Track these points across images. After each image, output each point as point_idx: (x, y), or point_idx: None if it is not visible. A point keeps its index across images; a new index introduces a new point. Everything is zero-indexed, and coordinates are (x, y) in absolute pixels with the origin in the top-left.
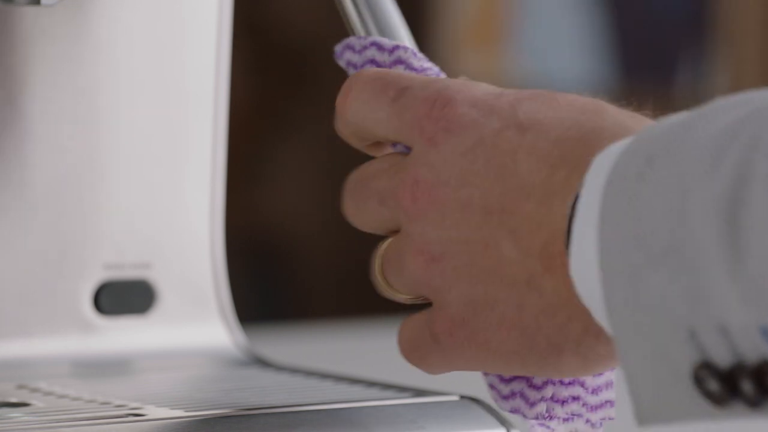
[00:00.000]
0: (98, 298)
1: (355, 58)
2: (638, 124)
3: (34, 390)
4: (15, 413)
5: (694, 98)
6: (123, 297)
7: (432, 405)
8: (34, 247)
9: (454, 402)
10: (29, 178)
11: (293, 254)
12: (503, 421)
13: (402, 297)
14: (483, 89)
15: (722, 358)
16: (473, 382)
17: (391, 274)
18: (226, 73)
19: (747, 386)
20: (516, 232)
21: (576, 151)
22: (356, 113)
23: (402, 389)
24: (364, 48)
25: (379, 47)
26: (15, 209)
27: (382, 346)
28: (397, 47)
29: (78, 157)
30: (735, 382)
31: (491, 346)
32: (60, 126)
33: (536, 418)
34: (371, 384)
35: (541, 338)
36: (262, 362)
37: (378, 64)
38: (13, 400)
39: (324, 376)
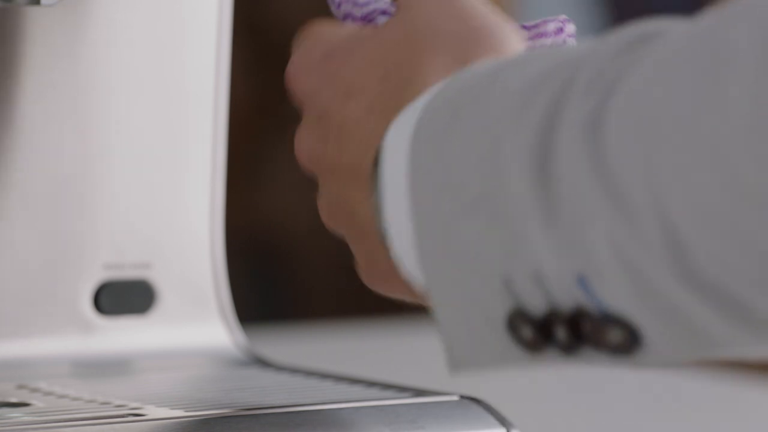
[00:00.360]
0: (98, 298)
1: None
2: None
3: (34, 390)
4: (15, 413)
5: None
6: (123, 297)
7: (432, 405)
8: (34, 247)
9: (454, 402)
10: (29, 178)
11: (293, 254)
12: (503, 421)
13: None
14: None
15: (536, 305)
16: (473, 382)
17: (302, 150)
18: (226, 73)
19: (561, 333)
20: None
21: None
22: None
23: (402, 389)
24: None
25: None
26: (15, 209)
27: (382, 346)
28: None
29: (78, 157)
30: (549, 329)
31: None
32: (60, 126)
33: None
34: (371, 384)
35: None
36: (262, 362)
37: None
38: (13, 400)
39: (324, 376)
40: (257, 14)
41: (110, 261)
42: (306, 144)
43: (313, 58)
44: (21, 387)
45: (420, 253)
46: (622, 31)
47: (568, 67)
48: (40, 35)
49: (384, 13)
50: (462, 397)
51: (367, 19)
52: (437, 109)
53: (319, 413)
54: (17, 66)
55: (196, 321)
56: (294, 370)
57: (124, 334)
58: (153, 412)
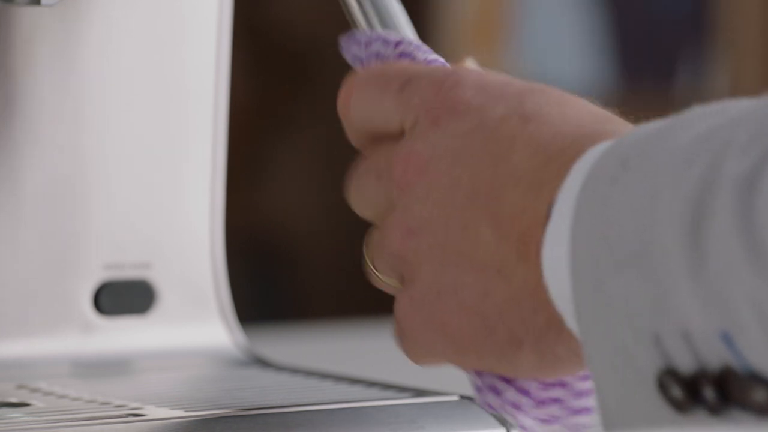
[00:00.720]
0: (98, 298)
1: (361, 52)
2: None
3: (34, 390)
4: (15, 413)
5: (694, 98)
6: (123, 297)
7: (432, 405)
8: (34, 247)
9: (453, 402)
10: (29, 178)
11: (293, 254)
12: (503, 421)
13: (388, 284)
14: (492, 76)
15: (686, 364)
16: None
17: (375, 252)
18: (226, 72)
19: (709, 393)
20: (497, 216)
21: (574, 146)
22: (361, 111)
23: (402, 389)
24: (370, 42)
25: (384, 41)
26: (15, 209)
27: (382, 346)
28: (401, 41)
29: (78, 156)
30: (698, 389)
31: (447, 330)
32: (60, 126)
33: (511, 414)
34: (371, 384)
35: (502, 328)
36: (262, 362)
37: (383, 58)
38: (13, 400)
39: (324, 376)
40: (257, 14)
41: (110, 261)
42: (414, 223)
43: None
44: (21, 387)
45: (576, 308)
46: None
47: (732, 125)
48: (40, 35)
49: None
50: (462, 397)
51: (404, 54)
52: (605, 162)
53: (319, 413)
54: (17, 66)
55: (196, 321)
56: (294, 370)
57: (124, 334)
58: (153, 412)
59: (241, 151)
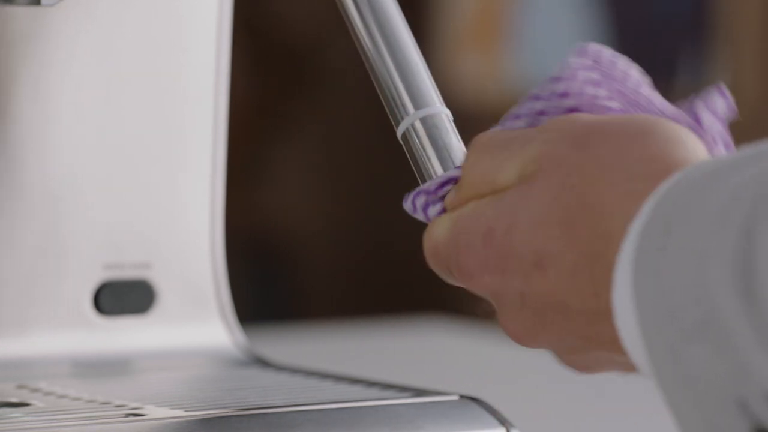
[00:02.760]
0: (98, 298)
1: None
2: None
3: (34, 390)
4: (15, 413)
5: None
6: (123, 297)
7: (432, 405)
8: (34, 247)
9: (453, 402)
10: (29, 178)
11: (293, 254)
12: (503, 421)
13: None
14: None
15: None
16: (473, 382)
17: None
18: (226, 73)
19: None
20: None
21: (623, 213)
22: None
23: (402, 389)
24: (439, 186)
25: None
26: (15, 209)
27: (382, 346)
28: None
29: (78, 156)
30: None
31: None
32: (60, 126)
33: None
34: (371, 384)
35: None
36: (262, 362)
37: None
38: (13, 400)
39: (324, 376)
40: (257, 14)
41: (110, 261)
42: (522, 329)
43: (473, 248)
44: (21, 387)
45: (658, 381)
46: None
47: (762, 178)
48: (40, 35)
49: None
50: (462, 397)
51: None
52: (651, 225)
53: (319, 413)
54: (17, 66)
55: (196, 321)
56: (294, 370)
57: (124, 334)
58: (153, 412)
59: (241, 151)
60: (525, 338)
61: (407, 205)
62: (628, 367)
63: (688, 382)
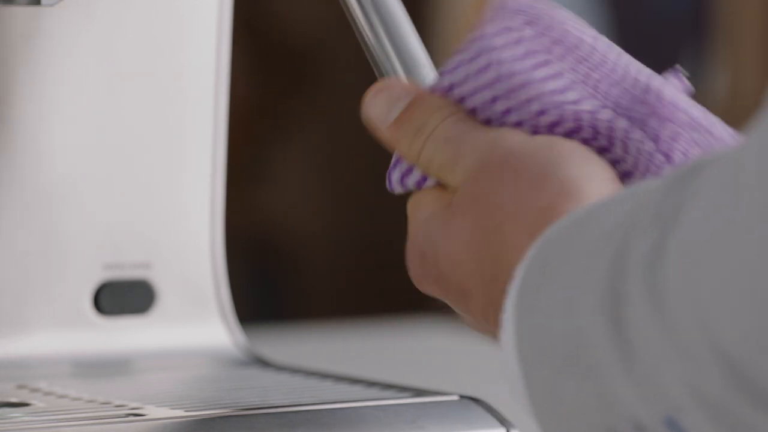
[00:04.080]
0: (98, 298)
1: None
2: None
3: (34, 390)
4: (15, 413)
5: (694, 98)
6: (123, 297)
7: (432, 405)
8: (34, 247)
9: (454, 402)
10: (29, 177)
11: (293, 254)
12: (503, 421)
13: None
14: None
15: None
16: (473, 382)
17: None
18: (226, 73)
19: None
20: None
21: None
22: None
23: (402, 389)
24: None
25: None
26: (15, 209)
27: (382, 346)
28: None
29: (78, 156)
30: None
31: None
32: (60, 126)
33: None
34: (371, 384)
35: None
36: (262, 362)
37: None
38: (13, 400)
39: (324, 376)
40: (257, 14)
41: (110, 261)
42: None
43: (414, 264)
44: (21, 387)
45: (537, 416)
46: (676, 168)
47: (638, 209)
48: (40, 35)
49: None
50: (462, 397)
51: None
52: (530, 268)
53: (319, 413)
54: (17, 66)
55: (196, 321)
56: (294, 370)
57: (124, 334)
58: (153, 412)
59: (241, 151)
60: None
61: (389, 186)
62: None
63: (560, 416)
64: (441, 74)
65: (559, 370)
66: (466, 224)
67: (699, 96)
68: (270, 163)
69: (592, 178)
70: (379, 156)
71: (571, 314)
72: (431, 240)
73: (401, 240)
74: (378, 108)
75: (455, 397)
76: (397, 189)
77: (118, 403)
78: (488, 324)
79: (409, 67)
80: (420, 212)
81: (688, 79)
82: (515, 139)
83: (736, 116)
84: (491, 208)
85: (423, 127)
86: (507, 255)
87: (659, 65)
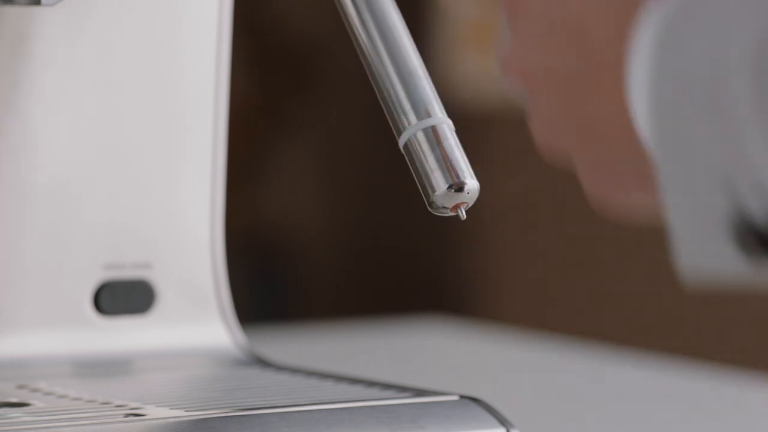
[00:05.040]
0: (98, 298)
1: None
2: None
3: (34, 390)
4: (15, 413)
5: None
6: (123, 297)
7: (432, 405)
8: (34, 247)
9: (453, 402)
10: (29, 178)
11: (293, 255)
12: (503, 421)
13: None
14: None
15: (759, 215)
16: (473, 382)
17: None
18: (226, 73)
19: None
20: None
21: None
22: None
23: (402, 389)
24: None
25: None
26: (15, 209)
27: (382, 346)
28: None
29: (78, 156)
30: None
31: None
32: (60, 126)
33: None
34: (371, 384)
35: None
36: (262, 362)
37: None
38: (13, 400)
39: (324, 376)
40: (257, 14)
41: (110, 261)
42: (527, 56)
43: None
44: (21, 387)
45: (656, 147)
46: None
47: None
48: (40, 35)
49: None
50: (462, 397)
51: None
52: (679, 7)
53: (319, 413)
54: (17, 66)
55: (196, 321)
56: (294, 370)
57: (124, 334)
58: (153, 412)
59: (241, 151)
60: (548, 135)
61: None
62: (646, 200)
63: (683, 158)
64: None
65: (695, 117)
66: None
67: None
68: (270, 163)
69: None
70: (379, 156)
71: (720, 62)
72: None
73: (401, 240)
74: None
75: (455, 397)
76: None
77: (118, 403)
78: (610, 55)
79: (406, 80)
80: None
81: None
82: None
83: None
84: None
85: None
86: None
87: None
